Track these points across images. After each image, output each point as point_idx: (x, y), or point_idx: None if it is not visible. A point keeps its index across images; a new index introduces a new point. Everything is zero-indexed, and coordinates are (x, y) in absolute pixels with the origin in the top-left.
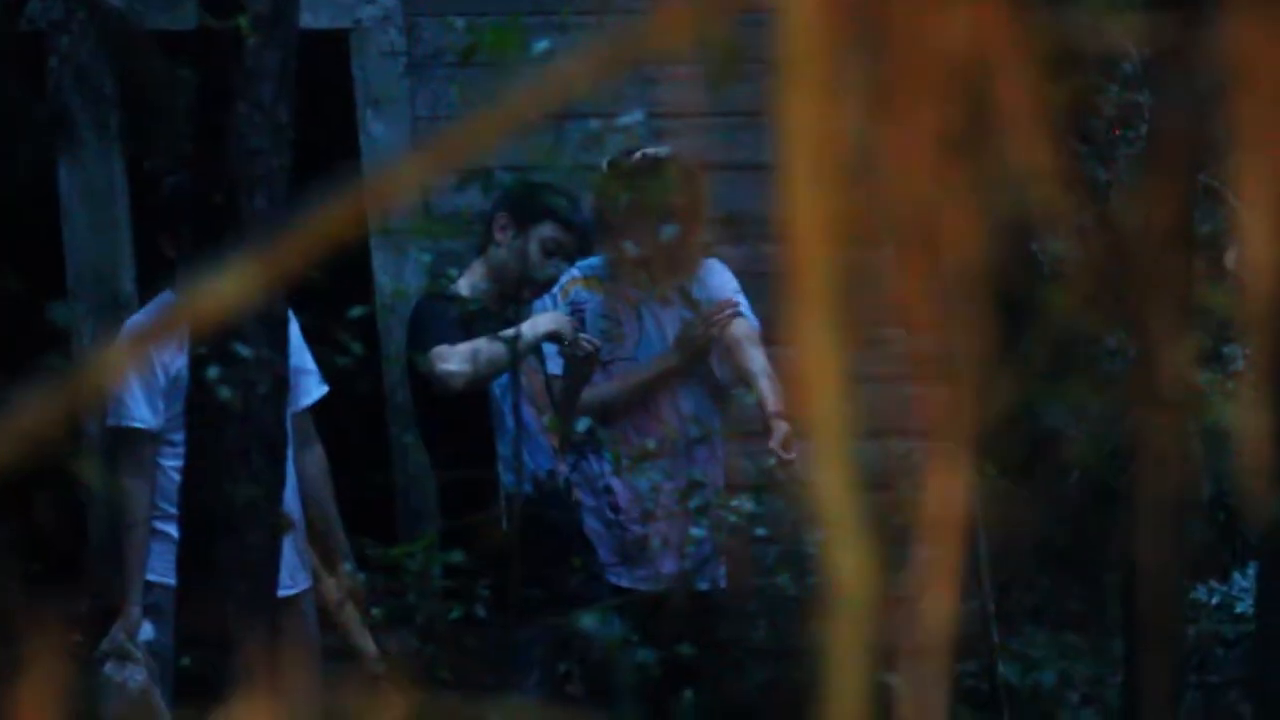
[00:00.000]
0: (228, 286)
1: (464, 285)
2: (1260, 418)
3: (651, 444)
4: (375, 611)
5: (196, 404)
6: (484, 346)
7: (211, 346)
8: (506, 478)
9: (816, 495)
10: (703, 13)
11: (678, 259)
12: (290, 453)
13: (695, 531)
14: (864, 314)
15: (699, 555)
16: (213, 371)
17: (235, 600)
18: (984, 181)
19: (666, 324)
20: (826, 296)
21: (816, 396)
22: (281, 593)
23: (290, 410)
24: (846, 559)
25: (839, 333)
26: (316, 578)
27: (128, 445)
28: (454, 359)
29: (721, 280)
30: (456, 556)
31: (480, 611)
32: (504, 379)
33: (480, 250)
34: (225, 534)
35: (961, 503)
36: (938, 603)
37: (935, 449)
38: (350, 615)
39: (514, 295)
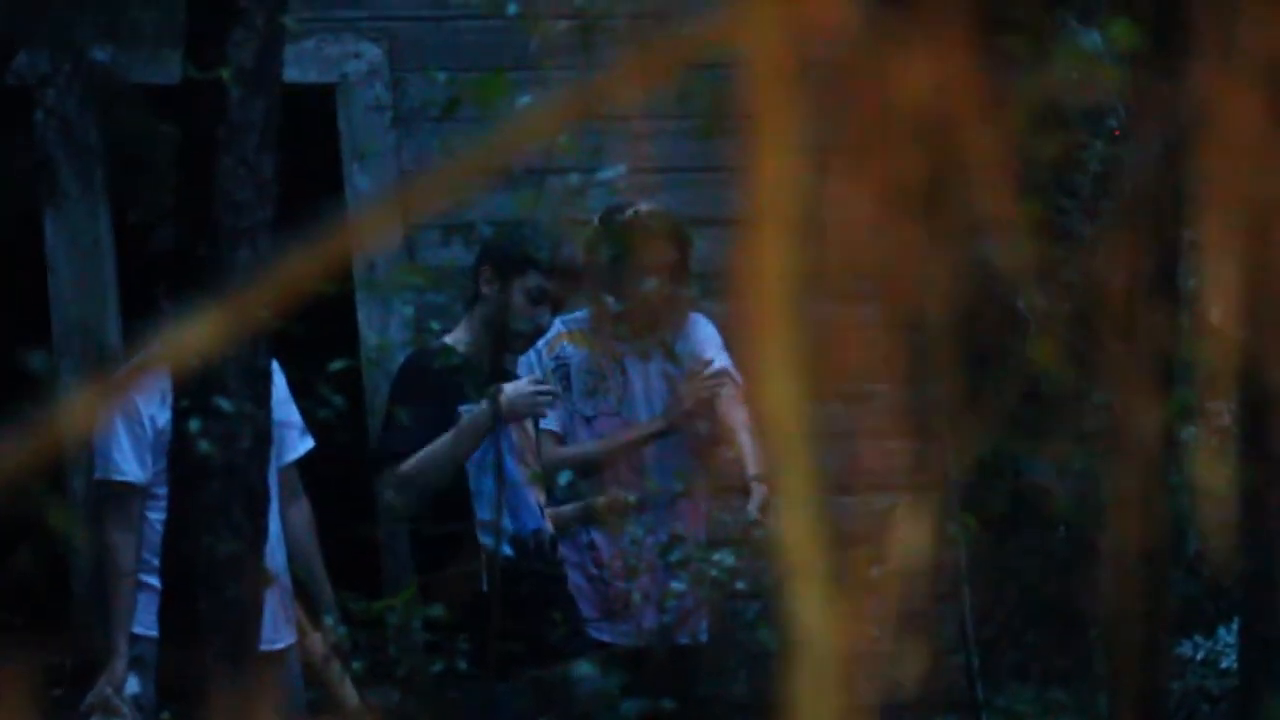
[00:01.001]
0: (202, 334)
1: (453, 339)
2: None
3: (633, 498)
4: (356, 665)
5: (178, 457)
6: (433, 451)
7: (194, 399)
8: (486, 538)
9: (782, 546)
10: (665, 66)
11: (661, 314)
12: (276, 507)
13: (675, 585)
14: (833, 368)
15: (679, 609)
16: (194, 424)
17: (216, 654)
18: (951, 233)
19: (652, 379)
20: (791, 348)
21: (782, 448)
22: (266, 647)
23: (276, 464)
24: (811, 610)
25: (804, 385)
26: (302, 632)
27: (115, 499)
28: (399, 485)
29: (705, 335)
30: (436, 611)
31: (462, 665)
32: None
33: (469, 304)
34: (206, 588)
35: (933, 555)
36: (912, 655)
37: (908, 502)
38: (335, 670)
39: (503, 347)
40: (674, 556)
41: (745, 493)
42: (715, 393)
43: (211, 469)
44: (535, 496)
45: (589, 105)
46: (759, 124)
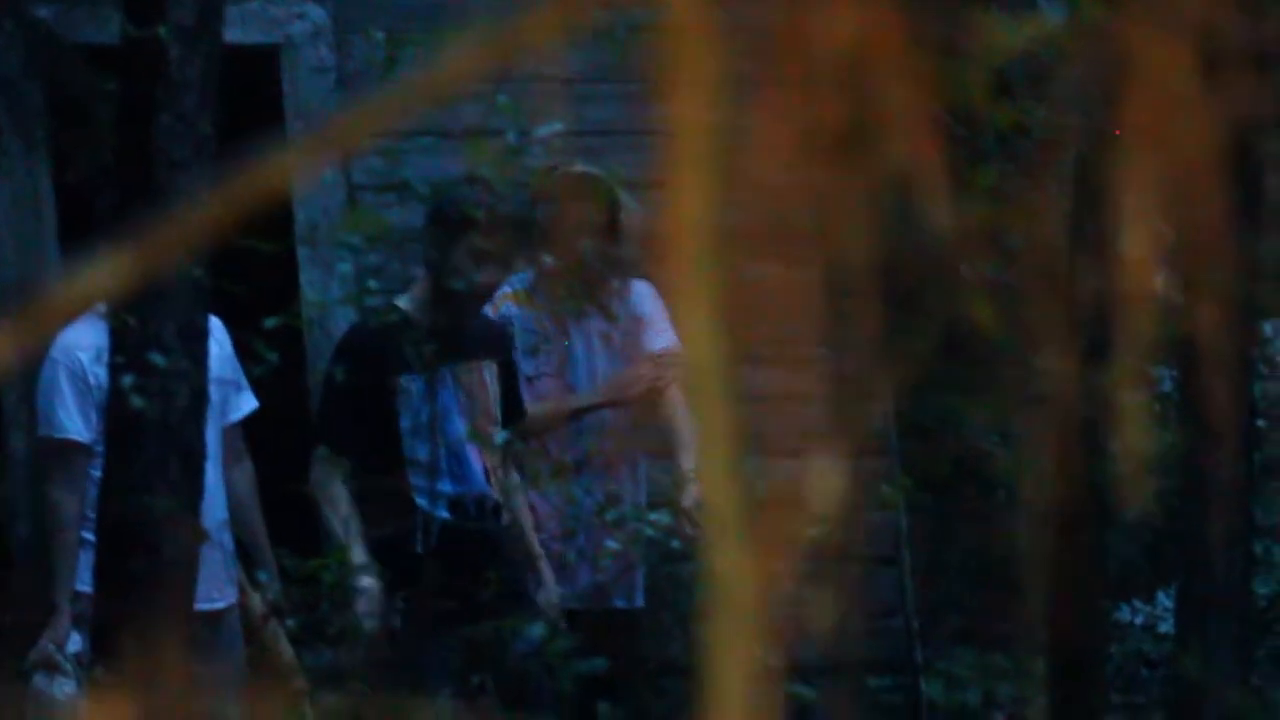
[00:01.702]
0: (102, 274)
1: (403, 301)
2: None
3: (570, 459)
4: (290, 623)
5: (113, 414)
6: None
7: (129, 356)
8: (421, 501)
9: (702, 500)
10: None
11: (596, 276)
12: (219, 466)
13: (610, 544)
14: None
15: (615, 569)
16: (126, 380)
17: (151, 611)
18: (873, 185)
19: (594, 341)
20: (712, 305)
21: (703, 405)
22: (209, 606)
23: (220, 423)
24: (731, 566)
25: (726, 341)
26: (243, 592)
27: (59, 457)
28: (315, 483)
29: (646, 301)
30: (370, 566)
31: (395, 623)
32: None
33: (426, 266)
34: (142, 545)
35: (858, 515)
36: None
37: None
38: (274, 630)
39: (451, 308)
40: (610, 516)
41: (678, 490)
42: (664, 380)
43: (148, 426)
44: (481, 459)
45: (506, 52)
46: (675, 71)
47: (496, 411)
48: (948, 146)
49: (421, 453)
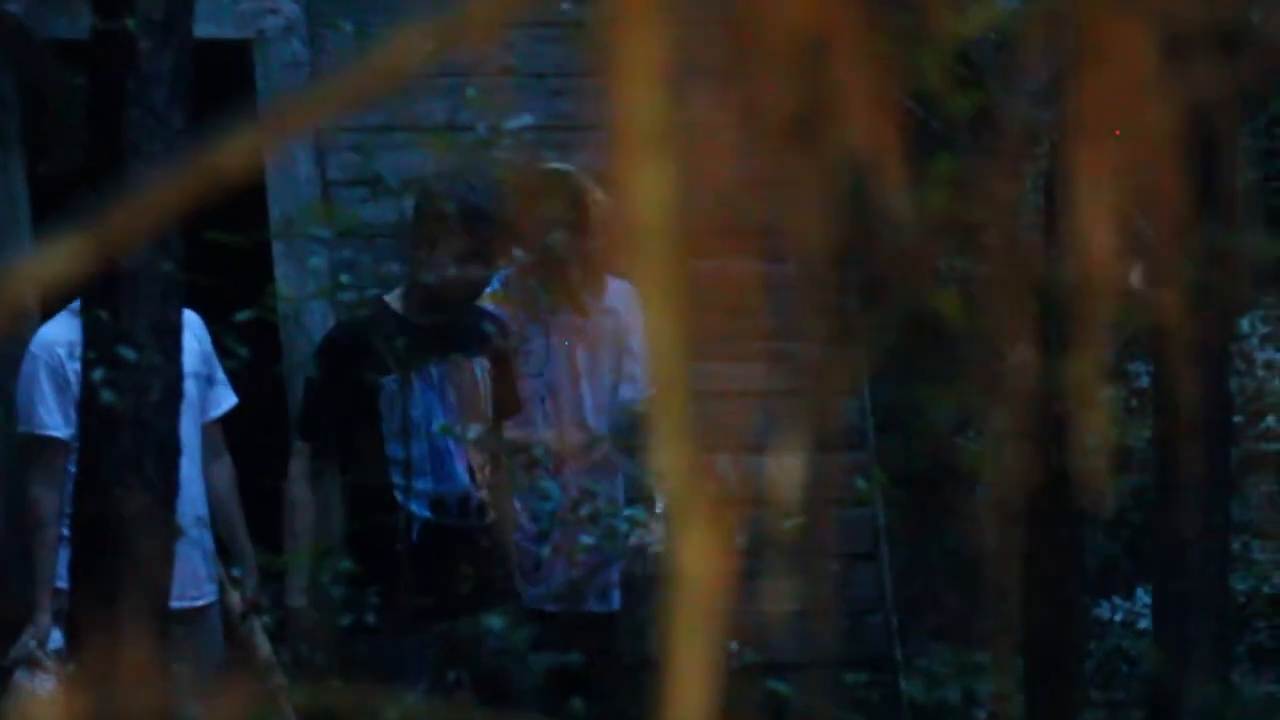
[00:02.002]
0: (59, 255)
1: (391, 297)
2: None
3: (540, 452)
4: (265, 619)
5: (86, 409)
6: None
7: (100, 351)
8: (401, 499)
9: (660, 481)
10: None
11: (569, 273)
12: (199, 463)
13: (585, 539)
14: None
15: (590, 565)
16: (97, 374)
17: (126, 607)
18: (827, 170)
19: (572, 339)
20: (668, 292)
21: (660, 383)
22: (188, 604)
23: (200, 419)
24: (691, 559)
25: (683, 330)
26: (223, 589)
27: (39, 453)
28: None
29: (624, 299)
30: (345, 565)
31: (369, 619)
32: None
33: (411, 263)
34: (116, 541)
35: (826, 511)
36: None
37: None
38: (252, 627)
39: (437, 306)
40: (584, 511)
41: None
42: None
43: (121, 421)
44: (466, 458)
45: (450, 41)
46: (622, 59)
47: (488, 409)
48: (910, 134)
49: (401, 451)
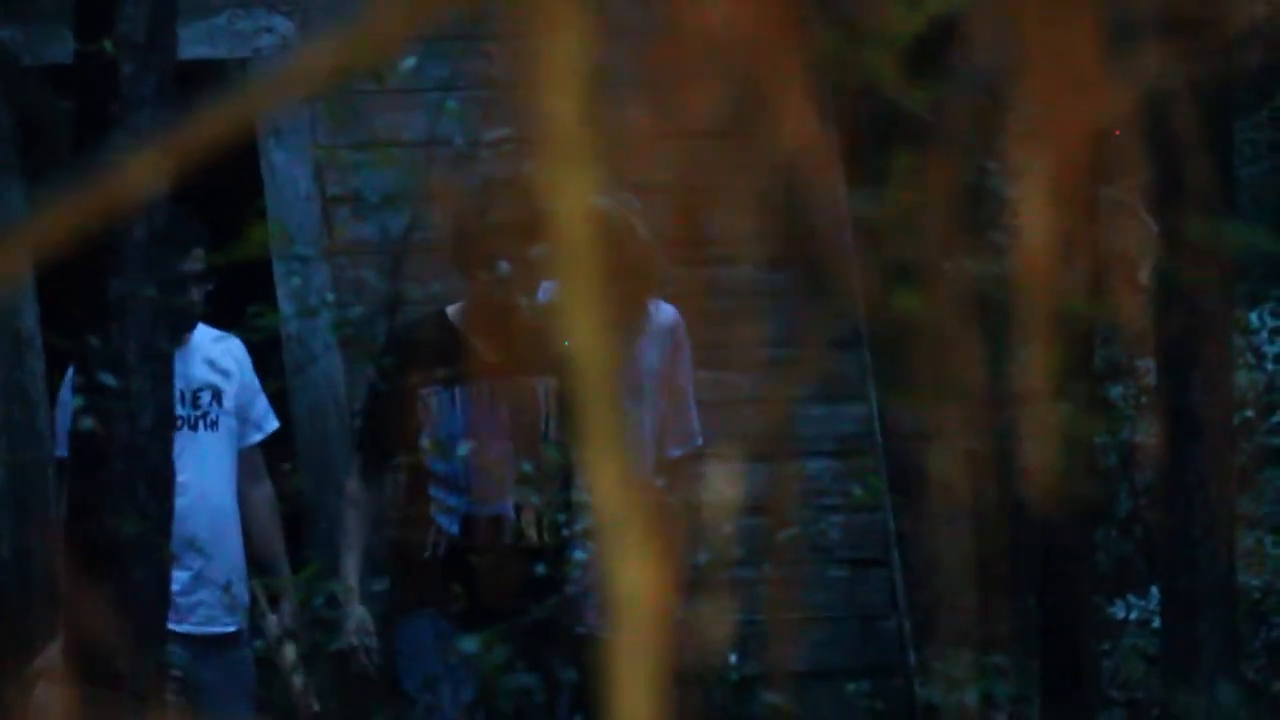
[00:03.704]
0: (34, 230)
1: (454, 311)
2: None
3: (528, 468)
4: (258, 645)
5: (77, 436)
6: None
7: (87, 377)
8: (439, 517)
9: (596, 502)
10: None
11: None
12: (236, 488)
13: (578, 554)
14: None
15: (582, 579)
16: (77, 400)
17: (123, 633)
18: (761, 171)
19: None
20: (593, 289)
21: (589, 396)
22: (218, 630)
23: (240, 445)
24: (628, 571)
25: (610, 329)
26: (259, 614)
27: (59, 475)
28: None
29: (667, 321)
30: (338, 588)
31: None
32: (454, 419)
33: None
34: (110, 568)
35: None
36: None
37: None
38: (289, 652)
39: (497, 322)
40: (578, 527)
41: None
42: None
43: (115, 448)
44: (507, 475)
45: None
46: (544, 48)
47: (545, 429)
48: (856, 131)
49: (439, 466)
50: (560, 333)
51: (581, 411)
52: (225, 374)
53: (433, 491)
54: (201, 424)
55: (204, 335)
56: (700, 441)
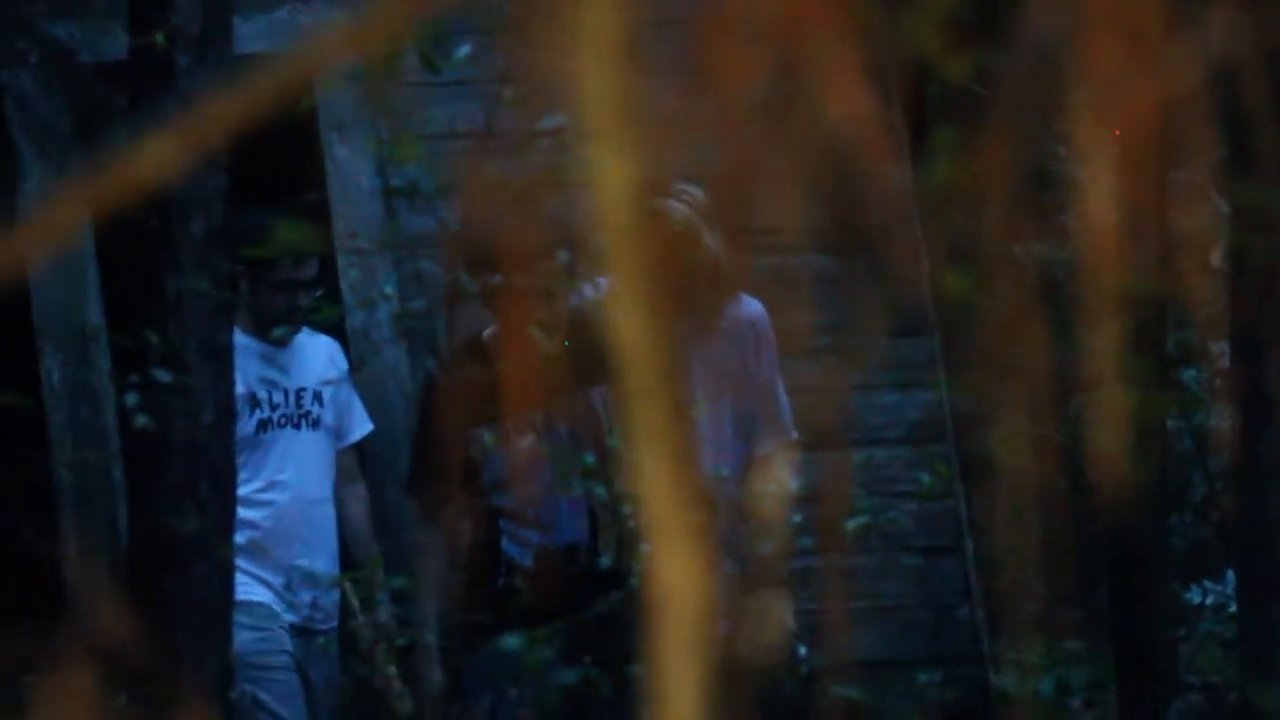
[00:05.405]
0: (154, 156)
1: (490, 335)
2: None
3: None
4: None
5: (132, 434)
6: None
7: (143, 375)
8: (509, 548)
9: (642, 501)
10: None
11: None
12: (331, 490)
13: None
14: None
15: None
16: (131, 398)
17: (183, 633)
18: (809, 147)
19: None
20: (643, 281)
21: (638, 392)
22: (319, 627)
23: (337, 446)
24: (673, 567)
25: (660, 322)
26: (350, 615)
27: None
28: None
29: (754, 314)
30: (398, 582)
31: (429, 638)
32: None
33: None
34: (171, 567)
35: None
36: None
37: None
38: (382, 653)
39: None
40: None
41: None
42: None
43: (175, 445)
44: (581, 504)
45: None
46: (583, 31)
47: (610, 438)
48: (907, 105)
49: (504, 502)
50: (609, 333)
51: (631, 410)
52: (326, 375)
53: (502, 524)
54: (304, 423)
55: (306, 336)
56: (794, 435)
